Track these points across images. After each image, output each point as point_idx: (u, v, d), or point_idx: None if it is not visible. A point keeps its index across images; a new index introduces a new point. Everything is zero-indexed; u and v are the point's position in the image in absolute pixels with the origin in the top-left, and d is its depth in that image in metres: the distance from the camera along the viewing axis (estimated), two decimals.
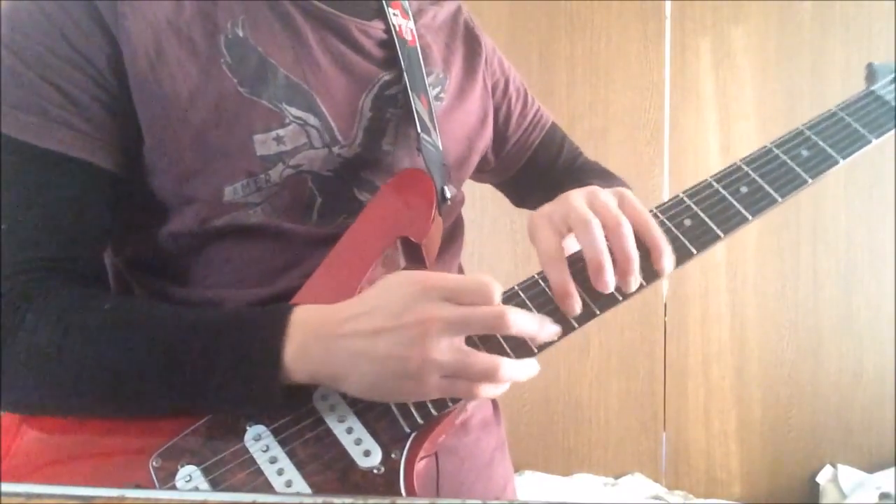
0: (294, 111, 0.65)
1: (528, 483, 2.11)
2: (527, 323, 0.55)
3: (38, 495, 0.30)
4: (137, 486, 0.54)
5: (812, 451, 2.19)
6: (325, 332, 0.54)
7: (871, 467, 2.13)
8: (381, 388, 0.54)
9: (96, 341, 0.56)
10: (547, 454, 2.21)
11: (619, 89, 2.21)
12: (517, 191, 0.97)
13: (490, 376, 0.53)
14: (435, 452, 0.65)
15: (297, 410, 0.57)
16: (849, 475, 2.10)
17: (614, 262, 0.57)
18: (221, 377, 0.54)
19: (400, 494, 0.55)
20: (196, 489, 0.54)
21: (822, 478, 2.13)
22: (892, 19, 2.11)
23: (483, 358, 0.53)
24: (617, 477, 2.20)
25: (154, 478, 0.55)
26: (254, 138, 0.63)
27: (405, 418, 0.57)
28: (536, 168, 0.92)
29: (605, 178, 0.89)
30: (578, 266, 0.58)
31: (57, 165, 0.59)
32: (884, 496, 1.98)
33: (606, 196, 0.59)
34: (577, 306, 0.57)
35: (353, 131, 0.68)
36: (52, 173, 0.59)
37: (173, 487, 0.54)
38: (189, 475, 0.55)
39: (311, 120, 0.66)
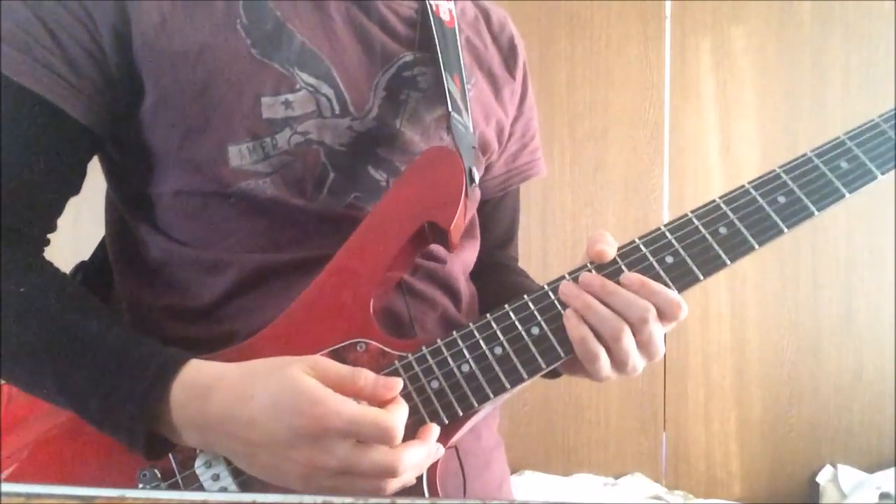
0: (306, 77, 0.64)
1: (528, 483, 2.10)
2: (420, 460, 0.53)
3: (38, 495, 0.29)
4: (153, 470, 0.53)
5: (812, 451, 2.18)
6: (201, 421, 0.51)
7: (871, 467, 2.13)
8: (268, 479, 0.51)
9: (8, 315, 0.54)
10: (547, 454, 2.20)
11: (619, 89, 2.21)
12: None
13: (388, 472, 0.50)
14: (455, 448, 0.63)
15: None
16: (849, 475, 2.10)
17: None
18: (98, 404, 0.53)
19: (422, 489, 0.55)
20: (216, 476, 0.53)
21: (822, 478, 2.13)
22: (892, 19, 2.12)
23: (376, 456, 0.49)
24: (617, 477, 2.19)
25: (172, 462, 0.54)
26: (262, 100, 0.62)
27: (433, 418, 0.56)
28: (483, 218, 0.85)
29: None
30: None
31: (28, 104, 0.58)
32: (884, 496, 1.98)
33: None
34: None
35: (367, 105, 0.68)
36: (21, 111, 0.58)
37: (193, 474, 0.53)
38: (209, 461, 0.53)
39: (324, 88, 0.65)
